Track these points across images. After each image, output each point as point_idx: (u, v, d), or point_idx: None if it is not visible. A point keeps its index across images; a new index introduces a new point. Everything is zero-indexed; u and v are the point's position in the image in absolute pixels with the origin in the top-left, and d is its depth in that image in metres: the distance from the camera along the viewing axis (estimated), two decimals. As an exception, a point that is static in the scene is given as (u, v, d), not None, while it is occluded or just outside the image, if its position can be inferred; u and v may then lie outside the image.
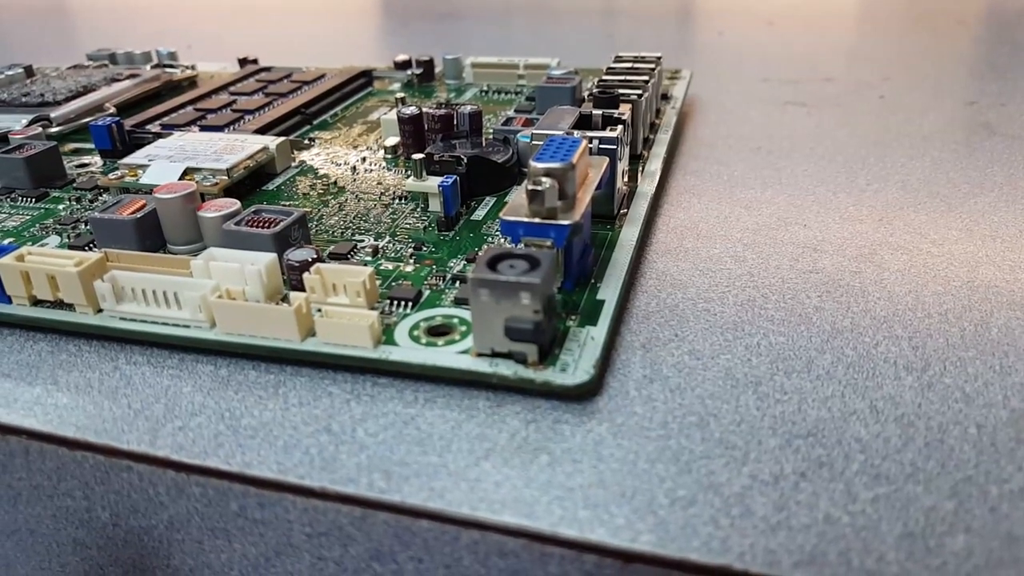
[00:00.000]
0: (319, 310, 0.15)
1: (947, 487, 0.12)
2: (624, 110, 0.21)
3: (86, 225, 0.21)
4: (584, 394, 0.14)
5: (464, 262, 0.18)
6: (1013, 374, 0.15)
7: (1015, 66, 0.37)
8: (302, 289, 0.16)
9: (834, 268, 0.19)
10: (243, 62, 0.37)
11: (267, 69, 0.35)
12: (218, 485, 0.13)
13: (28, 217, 0.22)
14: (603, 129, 0.20)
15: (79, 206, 0.23)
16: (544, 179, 0.16)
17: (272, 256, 0.16)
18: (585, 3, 0.61)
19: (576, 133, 0.19)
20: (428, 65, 0.34)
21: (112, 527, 0.15)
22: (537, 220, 0.16)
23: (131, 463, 0.14)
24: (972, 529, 0.11)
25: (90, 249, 0.19)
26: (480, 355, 0.15)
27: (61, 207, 0.23)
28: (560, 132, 0.19)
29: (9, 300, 0.17)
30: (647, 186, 0.22)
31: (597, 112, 0.21)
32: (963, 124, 0.29)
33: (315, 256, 0.17)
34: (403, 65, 0.35)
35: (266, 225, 0.18)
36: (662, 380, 0.15)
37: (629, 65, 0.27)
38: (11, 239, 0.21)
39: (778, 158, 0.26)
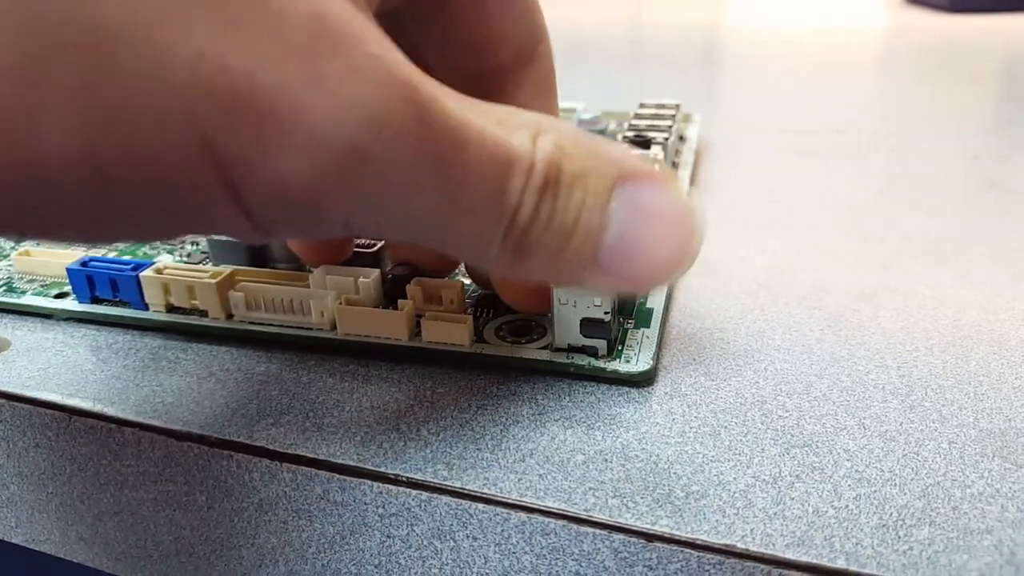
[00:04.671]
0: (420, 315, 0.19)
1: (918, 490, 0.14)
2: (657, 151, 0.24)
3: (194, 245, 0.24)
4: (645, 381, 0.18)
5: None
6: (985, 400, 0.17)
7: (1021, 121, 0.40)
8: (397, 298, 0.19)
9: (836, 306, 0.21)
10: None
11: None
12: (306, 472, 0.16)
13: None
14: None
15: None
16: None
17: (377, 271, 0.19)
18: (612, 47, 0.64)
19: None
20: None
21: (207, 509, 0.17)
22: None
23: (231, 452, 0.16)
24: (936, 523, 0.14)
25: (204, 265, 0.22)
26: (557, 350, 0.18)
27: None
28: None
29: (147, 307, 0.20)
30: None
31: (635, 152, 0.24)
32: (965, 177, 0.31)
33: (412, 271, 0.20)
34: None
35: (366, 245, 0.21)
36: (680, 397, 0.17)
37: (652, 111, 0.30)
38: (128, 255, 0.23)
39: (790, 206, 0.29)
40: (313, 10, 0.10)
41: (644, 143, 0.25)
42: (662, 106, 0.31)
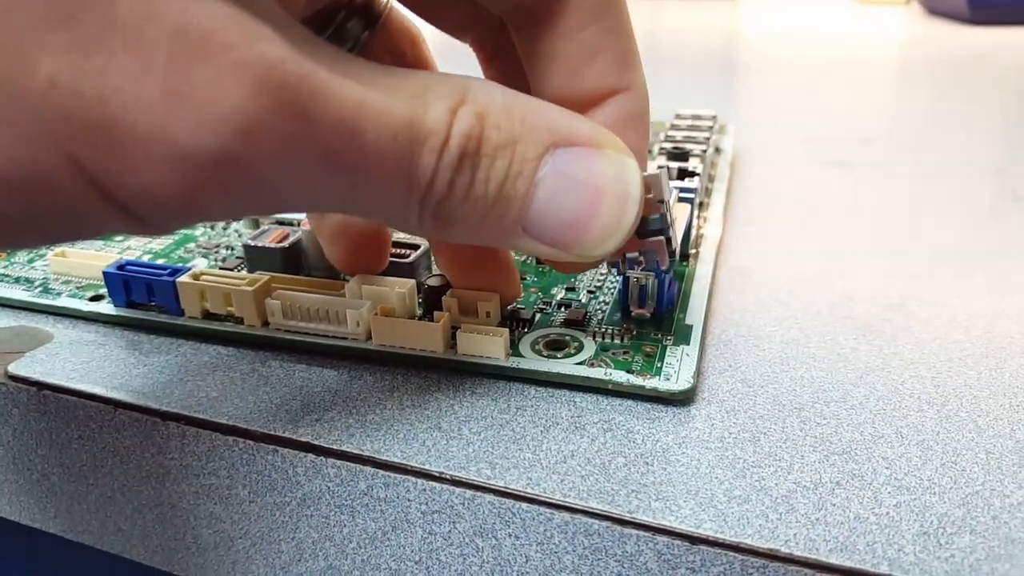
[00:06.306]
0: (456, 327, 0.19)
1: (958, 498, 0.15)
2: (696, 164, 0.25)
3: (229, 250, 0.24)
4: (685, 400, 0.18)
5: (564, 290, 0.22)
6: (1021, 411, 0.17)
7: (1044, 136, 0.40)
8: (432, 309, 0.19)
9: (868, 315, 0.21)
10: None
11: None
12: (351, 467, 0.16)
13: (170, 241, 0.25)
14: (681, 180, 0.23)
15: (214, 232, 0.26)
16: None
17: (412, 282, 0.20)
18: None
19: None
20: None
21: (248, 503, 0.18)
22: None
23: (276, 447, 0.17)
24: (976, 531, 0.14)
25: (240, 271, 0.22)
26: (593, 365, 0.18)
27: (198, 233, 0.26)
28: None
29: (182, 312, 0.20)
30: (713, 230, 0.26)
31: (673, 165, 0.24)
32: (991, 189, 0.32)
33: (446, 282, 0.20)
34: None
35: (401, 256, 0.21)
36: (719, 403, 0.18)
37: (689, 122, 0.30)
38: (162, 259, 0.24)
39: (818, 215, 0.29)
40: (175, 23, 0.10)
41: (682, 155, 0.26)
42: (699, 117, 0.31)
